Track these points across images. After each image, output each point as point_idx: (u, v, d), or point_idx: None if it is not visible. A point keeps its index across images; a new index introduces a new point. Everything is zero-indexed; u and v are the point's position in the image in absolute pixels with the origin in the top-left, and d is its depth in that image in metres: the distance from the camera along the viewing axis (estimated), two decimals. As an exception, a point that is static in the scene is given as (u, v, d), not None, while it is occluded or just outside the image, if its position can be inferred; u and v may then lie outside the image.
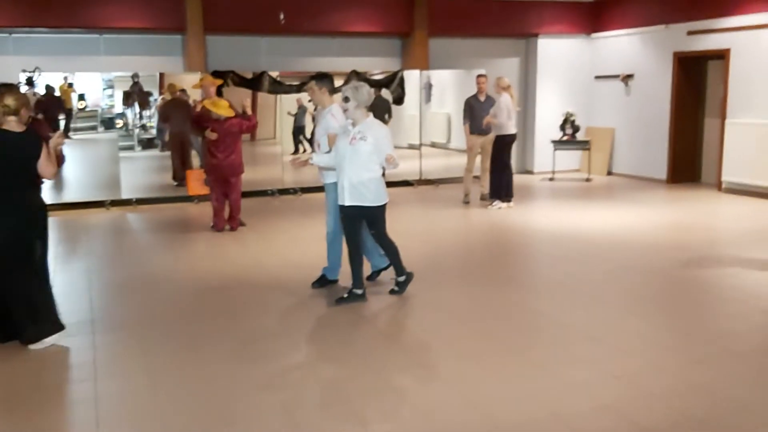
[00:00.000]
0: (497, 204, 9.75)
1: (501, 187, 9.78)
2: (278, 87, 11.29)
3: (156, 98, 10.92)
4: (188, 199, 10.63)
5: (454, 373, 4.22)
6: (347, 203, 5.41)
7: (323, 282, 6.10)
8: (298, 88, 11.47)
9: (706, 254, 7.09)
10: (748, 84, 10.56)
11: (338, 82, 11.60)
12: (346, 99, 5.32)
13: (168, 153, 10.97)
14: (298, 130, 12.20)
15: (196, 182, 10.22)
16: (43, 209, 4.83)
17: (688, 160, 12.15)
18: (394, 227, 5.98)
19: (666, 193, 11.25)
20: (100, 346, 4.77)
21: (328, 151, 5.69)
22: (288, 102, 11.67)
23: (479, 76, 9.98)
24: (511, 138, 9.65)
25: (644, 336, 4.85)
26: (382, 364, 4.40)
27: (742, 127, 10.60)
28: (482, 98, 9.88)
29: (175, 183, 10.87)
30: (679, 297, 5.87)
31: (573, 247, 7.51)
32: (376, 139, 5.31)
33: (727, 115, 10.95)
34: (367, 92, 5.36)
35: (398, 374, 4.24)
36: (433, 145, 12.75)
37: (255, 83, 11.12)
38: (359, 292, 5.63)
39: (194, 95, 10.22)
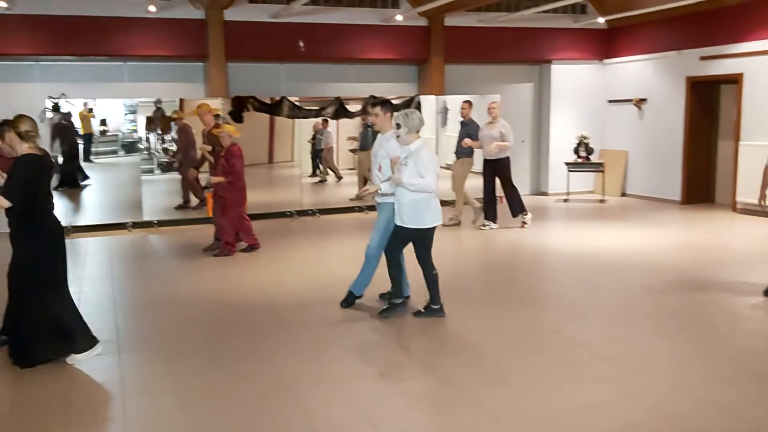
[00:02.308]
0: (526, 217, 10.00)
1: (520, 203, 9.98)
2: (297, 112, 11.52)
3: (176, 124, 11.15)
4: (208, 220, 10.80)
5: (476, 394, 4.31)
6: (397, 223, 5.67)
7: (350, 300, 6.24)
8: (317, 113, 11.72)
9: (722, 274, 7.17)
10: (761, 107, 10.67)
11: (356, 107, 11.94)
12: (398, 126, 5.55)
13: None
14: (316, 154, 12.45)
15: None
16: (62, 230, 5.00)
17: (702, 182, 12.24)
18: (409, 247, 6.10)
19: (681, 214, 11.33)
20: (127, 366, 4.91)
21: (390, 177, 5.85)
22: (307, 126, 11.90)
23: (464, 102, 10.22)
24: (509, 160, 9.91)
25: (662, 355, 4.94)
26: (399, 382, 4.50)
27: (755, 149, 10.68)
28: (464, 123, 10.14)
29: (186, 206, 11.09)
30: (695, 317, 5.95)
31: (588, 268, 7.61)
32: (416, 163, 5.50)
33: (740, 137, 11.06)
34: (417, 118, 5.58)
35: (413, 390, 4.35)
36: (448, 167, 12.90)
37: (275, 108, 11.37)
38: (436, 307, 5.83)
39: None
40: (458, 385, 4.44)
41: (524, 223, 9.98)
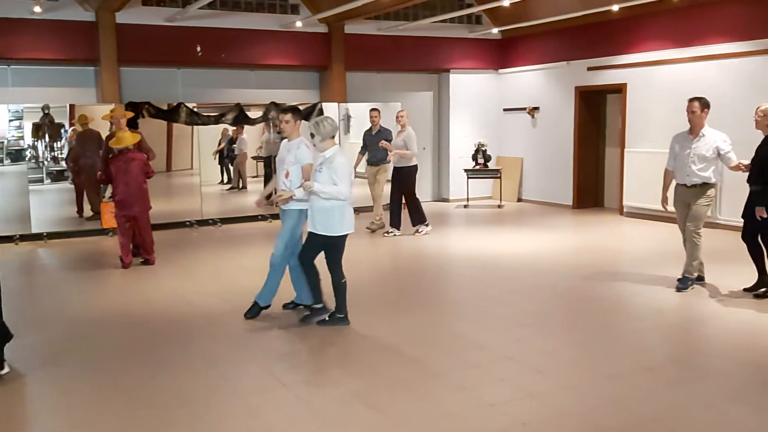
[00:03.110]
0: (425, 228, 10.13)
1: (420, 214, 10.15)
2: (195, 118, 11.26)
3: (67, 129, 10.67)
4: (103, 232, 10.40)
5: (379, 399, 4.35)
6: (310, 230, 5.67)
7: (255, 311, 6.13)
8: (216, 120, 11.49)
9: (612, 274, 7.57)
10: (644, 115, 11.37)
11: (256, 114, 11.81)
12: (312, 135, 5.58)
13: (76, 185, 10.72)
14: (226, 161, 12.37)
15: (111, 214, 10.02)
16: None
17: (592, 187, 12.90)
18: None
19: (572, 217, 11.88)
20: (14, 388, 4.64)
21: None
22: (205, 133, 11.63)
23: (372, 110, 10.38)
24: (416, 169, 10.13)
25: (557, 354, 5.15)
26: (302, 390, 4.50)
27: (639, 156, 11.38)
28: (374, 131, 10.30)
29: (80, 216, 10.63)
30: (589, 315, 6.24)
31: (489, 271, 7.85)
32: (329, 170, 5.52)
33: (625, 144, 11.73)
34: (330, 124, 5.61)
35: (316, 398, 4.36)
36: (358, 176, 13.01)
37: (172, 114, 11.06)
38: (341, 315, 5.82)
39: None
40: (363, 392, 4.46)
41: (417, 231, 10.13)
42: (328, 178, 5.50)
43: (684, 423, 3.95)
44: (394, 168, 10.10)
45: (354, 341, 5.57)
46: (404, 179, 10.04)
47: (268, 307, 6.18)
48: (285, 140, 6.18)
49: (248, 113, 11.73)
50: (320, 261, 5.76)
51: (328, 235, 5.63)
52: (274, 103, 11.76)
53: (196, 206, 11.44)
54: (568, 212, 12.44)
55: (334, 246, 5.71)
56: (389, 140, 10.07)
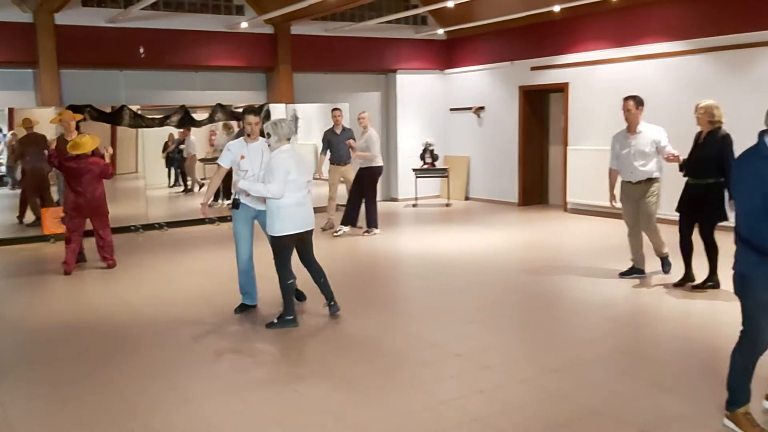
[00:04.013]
0: (374, 231, 10.17)
1: (375, 216, 10.24)
2: (139, 121, 11.06)
3: (5, 134, 10.35)
4: (44, 238, 10.12)
5: (330, 401, 4.39)
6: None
7: (244, 308, 6.37)
8: (161, 122, 11.30)
9: (558, 269, 7.76)
10: (586, 114, 11.67)
11: (203, 116, 11.67)
12: (268, 135, 5.61)
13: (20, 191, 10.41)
14: (174, 163, 12.22)
15: (52, 220, 9.79)
16: None
17: (536, 184, 13.17)
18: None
19: (518, 215, 12.11)
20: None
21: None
22: (150, 135, 11.42)
23: (334, 109, 10.42)
24: (380, 170, 10.18)
25: (506, 349, 5.27)
26: (254, 395, 4.50)
27: (581, 153, 11.67)
28: (338, 130, 10.31)
29: (21, 222, 10.34)
30: (536, 310, 6.39)
31: (438, 269, 7.95)
32: (266, 167, 5.63)
33: (568, 142, 12.01)
34: (286, 126, 5.63)
35: (269, 403, 4.36)
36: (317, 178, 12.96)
37: (115, 117, 10.83)
38: (289, 317, 5.82)
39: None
40: (313, 394, 4.48)
41: (367, 232, 10.18)
42: (268, 177, 5.59)
43: (627, 413, 4.09)
44: (360, 168, 10.16)
45: (303, 343, 5.58)
46: (367, 180, 10.10)
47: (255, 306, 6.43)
48: (238, 141, 6.20)
49: (194, 115, 11.58)
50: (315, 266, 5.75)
51: (270, 235, 5.73)
52: (220, 105, 11.63)
53: (142, 210, 11.24)
54: (514, 210, 12.67)
55: (274, 246, 5.75)
56: (354, 139, 10.17)
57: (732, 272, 3.70)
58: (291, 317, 5.84)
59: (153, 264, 8.66)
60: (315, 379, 4.77)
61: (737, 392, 3.75)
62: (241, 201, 5.95)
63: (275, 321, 5.87)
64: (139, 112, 11.05)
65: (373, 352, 5.28)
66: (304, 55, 12.67)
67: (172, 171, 12.42)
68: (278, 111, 12.16)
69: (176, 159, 12.29)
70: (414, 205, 13.37)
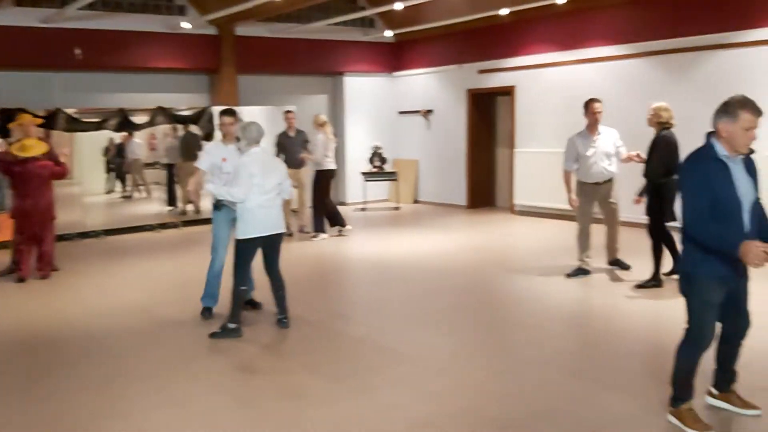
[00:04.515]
0: (322, 236, 10.01)
1: (331, 218, 10.14)
2: (76, 125, 10.62)
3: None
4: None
5: (279, 409, 4.22)
6: None
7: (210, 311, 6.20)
8: (98, 126, 10.87)
9: (507, 271, 7.73)
10: (532, 117, 11.73)
11: (142, 119, 11.29)
12: (237, 138, 5.54)
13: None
14: (117, 168, 11.91)
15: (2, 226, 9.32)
16: None
17: (485, 187, 13.20)
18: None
19: (467, 217, 12.10)
20: None
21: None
22: (88, 139, 10.99)
23: (287, 112, 10.23)
24: (329, 173, 10.03)
25: (456, 352, 5.17)
26: (193, 406, 4.28)
27: (528, 156, 11.73)
28: (292, 133, 10.10)
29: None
30: (486, 312, 6.32)
31: (388, 273, 7.83)
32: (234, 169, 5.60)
33: (515, 145, 12.06)
34: (255, 130, 5.51)
35: (214, 414, 4.15)
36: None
37: (48, 121, 10.36)
38: (233, 326, 5.59)
39: None
40: (260, 403, 4.30)
41: (310, 235, 10.04)
42: (234, 179, 5.53)
43: (575, 413, 4.03)
44: (319, 171, 10.05)
45: (249, 351, 5.37)
46: (315, 182, 10.02)
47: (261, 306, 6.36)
48: (215, 144, 6.08)
49: (133, 119, 11.18)
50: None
51: (235, 238, 5.64)
52: (160, 108, 11.28)
53: (79, 218, 10.78)
54: (463, 212, 12.65)
55: (235, 248, 5.62)
56: (307, 141, 10.03)
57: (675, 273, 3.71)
58: (235, 326, 5.61)
59: (91, 274, 8.28)
60: (259, 387, 4.58)
61: (681, 389, 3.78)
62: (224, 203, 5.78)
63: (218, 331, 5.63)
64: (75, 115, 10.62)
65: (320, 357, 5.11)
66: (250, 56, 12.43)
67: (113, 176, 12.04)
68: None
69: (116, 164, 11.91)
70: (363, 209, 13.23)
